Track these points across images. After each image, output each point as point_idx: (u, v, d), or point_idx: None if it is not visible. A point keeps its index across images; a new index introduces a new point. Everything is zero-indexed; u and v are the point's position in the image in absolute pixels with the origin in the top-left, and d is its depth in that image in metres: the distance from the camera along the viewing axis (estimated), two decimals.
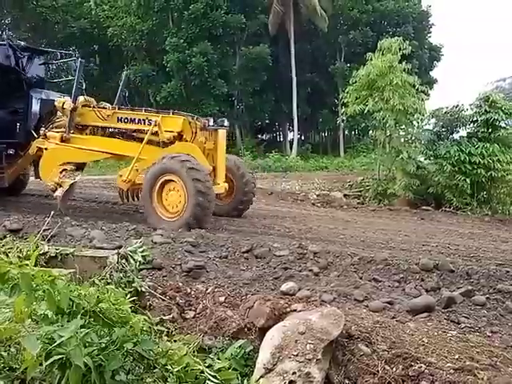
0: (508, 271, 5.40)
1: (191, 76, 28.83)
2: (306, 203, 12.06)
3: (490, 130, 12.37)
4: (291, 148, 34.05)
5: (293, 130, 35.33)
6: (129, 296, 3.99)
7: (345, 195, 13.95)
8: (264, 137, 43.96)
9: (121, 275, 4.36)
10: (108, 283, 4.14)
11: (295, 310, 4.14)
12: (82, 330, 2.21)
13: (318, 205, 11.85)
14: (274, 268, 5.34)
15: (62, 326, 2.16)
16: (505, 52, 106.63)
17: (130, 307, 3.68)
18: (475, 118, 12.65)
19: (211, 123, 8.26)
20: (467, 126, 13.10)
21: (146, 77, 31.47)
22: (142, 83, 32.73)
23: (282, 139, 41.80)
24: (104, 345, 2.31)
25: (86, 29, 33.13)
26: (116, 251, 4.61)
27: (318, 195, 13.24)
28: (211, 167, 7.73)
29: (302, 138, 41.30)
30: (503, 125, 12.56)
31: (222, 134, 8.27)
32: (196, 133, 7.76)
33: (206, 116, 28.52)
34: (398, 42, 13.31)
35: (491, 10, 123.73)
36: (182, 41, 28.79)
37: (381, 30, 32.35)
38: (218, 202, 8.03)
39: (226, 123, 8.80)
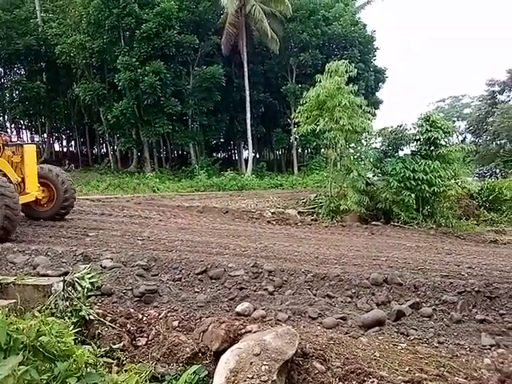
0: (451, 282, 5.69)
1: (144, 95, 28.47)
2: (262, 221, 12.11)
3: (431, 148, 13.10)
4: (246, 166, 34.31)
5: (247, 149, 35.68)
6: (75, 326, 3.80)
7: (299, 212, 14.16)
8: (219, 155, 44.03)
9: (67, 304, 4.14)
10: (52, 313, 3.92)
11: (250, 331, 4.10)
12: (20, 366, 2.06)
13: (274, 222, 11.94)
14: (229, 289, 5.30)
15: None
16: (444, 74, 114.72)
17: (77, 338, 3.50)
18: (418, 137, 13.37)
19: (14, 139, 9.25)
20: (411, 144, 13.82)
21: (96, 95, 30.68)
22: (93, 102, 31.87)
23: (237, 158, 42.06)
24: (45, 381, 2.16)
25: (31, 46, 31.93)
26: (62, 278, 4.37)
27: (273, 213, 13.35)
28: (20, 178, 8.60)
29: (257, 156, 41.79)
30: (443, 143, 13.33)
31: (30, 148, 9.21)
32: (3, 148, 8.41)
33: (157, 135, 28.36)
34: (345, 64, 13.89)
35: (433, 32, 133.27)
36: (134, 59, 28.47)
37: (329, 52, 33.80)
38: (40, 208, 9.34)
39: (37, 139, 9.89)
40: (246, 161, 35.60)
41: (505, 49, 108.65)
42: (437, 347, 4.25)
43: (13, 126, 38.83)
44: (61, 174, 9.71)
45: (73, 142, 45.99)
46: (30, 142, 27.64)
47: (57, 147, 45.40)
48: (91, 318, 4.12)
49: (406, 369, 3.71)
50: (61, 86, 36.08)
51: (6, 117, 36.41)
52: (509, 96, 39.38)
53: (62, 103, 37.17)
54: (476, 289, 5.43)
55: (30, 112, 36.09)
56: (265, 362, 3.50)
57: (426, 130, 12.99)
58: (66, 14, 32.18)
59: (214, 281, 5.44)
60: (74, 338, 3.19)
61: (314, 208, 14.64)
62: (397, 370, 3.70)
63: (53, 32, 31.49)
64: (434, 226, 12.25)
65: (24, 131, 43.13)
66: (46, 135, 41.10)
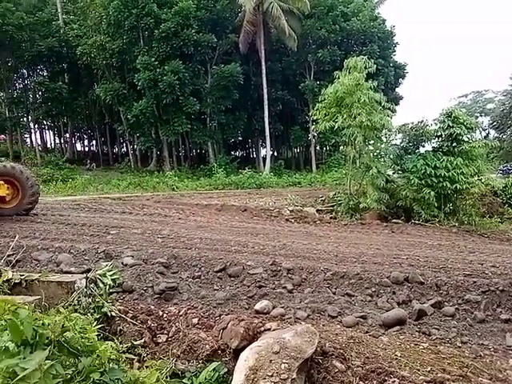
0: (475, 281, 5.56)
1: (163, 94, 28.78)
2: (280, 219, 12.08)
3: (453, 144, 12.80)
4: (264, 164, 34.31)
5: (265, 147, 35.67)
6: (98, 322, 3.87)
7: (318, 210, 14.07)
8: (237, 154, 44.17)
9: (89, 300, 4.22)
10: (75, 309, 4.00)
11: (269, 329, 4.10)
12: (46, 361, 2.11)
13: (292, 220, 11.89)
14: (248, 286, 5.31)
15: (24, 358, 2.06)
16: (466, 69, 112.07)
17: (99, 334, 3.56)
18: (439, 133, 13.08)
19: None
20: (432, 141, 13.53)
21: (116, 95, 31.16)
22: (113, 102, 32.41)
23: (255, 156, 42.12)
24: (70, 376, 2.21)
25: (54, 47, 32.65)
26: (84, 275, 4.46)
27: (291, 211, 13.30)
28: None
29: (275, 154, 41.75)
30: (466, 139, 13.02)
31: None
32: None
33: (176, 134, 28.68)
34: (364, 60, 13.69)
35: (453, 28, 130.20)
36: (153, 59, 28.80)
37: (348, 48, 33.44)
38: (5, 205, 9.34)
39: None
40: (264, 159, 35.61)
41: None
42: (460, 347, 4.16)
43: (36, 126, 39.79)
44: (24, 171, 9.78)
45: (94, 142, 46.90)
46: None
47: (78, 147, 46.43)
48: (113, 314, 4.19)
49: (428, 369, 3.65)
50: (82, 86, 36.82)
51: (29, 117, 37.31)
52: None
53: (83, 103, 37.93)
54: (500, 288, 5.30)
55: (53, 112, 36.93)
56: (284, 360, 3.50)
57: (448, 125, 12.71)
58: (87, 16, 32.78)
59: (232, 278, 5.46)
60: (96, 334, 3.26)
61: (332, 206, 14.52)
62: (418, 370, 3.64)
63: (74, 33, 32.15)
64: (457, 224, 11.98)
65: (47, 131, 44.22)
66: (68, 135, 42.02)
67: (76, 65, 33.65)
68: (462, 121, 12.76)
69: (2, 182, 9.17)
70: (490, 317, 4.85)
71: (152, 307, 4.54)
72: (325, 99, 13.86)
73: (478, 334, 4.51)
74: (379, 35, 34.32)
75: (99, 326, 3.76)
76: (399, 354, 3.84)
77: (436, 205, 12.31)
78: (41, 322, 2.38)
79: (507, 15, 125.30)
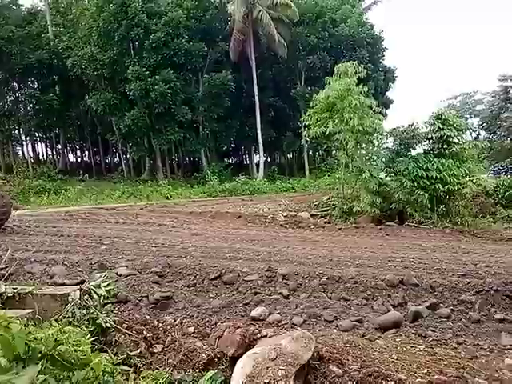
0: (469, 282, 5.59)
1: (155, 103, 28.84)
2: (275, 225, 12.08)
3: (444, 146, 12.92)
4: (258, 170, 34.39)
5: (258, 153, 35.77)
6: (92, 334, 3.84)
7: (312, 215, 14.09)
8: (230, 161, 44.23)
9: (84, 312, 4.18)
10: (70, 322, 3.96)
11: (266, 336, 4.09)
12: (39, 376, 2.09)
13: (287, 226, 11.89)
14: (244, 293, 5.29)
15: (17, 373, 2.04)
16: (455, 71, 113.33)
17: (94, 346, 3.53)
18: (430, 135, 13.19)
19: None
20: (423, 143, 13.65)
21: (108, 105, 31.15)
22: (105, 112, 32.39)
23: (248, 162, 42.22)
24: None
25: (44, 60, 32.66)
26: (78, 287, 4.42)
27: (285, 216, 13.31)
28: None
29: (268, 160, 41.86)
30: (456, 140, 13.14)
31: None
32: None
33: (169, 142, 28.80)
34: (354, 65, 13.83)
35: (441, 30, 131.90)
36: (144, 69, 28.89)
37: (337, 54, 33.74)
38: None
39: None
40: (258, 165, 35.71)
41: None
42: (456, 348, 4.17)
43: (28, 138, 39.58)
44: None
45: (86, 152, 46.77)
46: None
47: (71, 158, 46.25)
48: (108, 325, 4.15)
49: (425, 371, 3.65)
50: (73, 97, 36.76)
51: (21, 130, 37.16)
52: None
53: (75, 114, 37.87)
54: (494, 288, 5.33)
55: (44, 124, 36.82)
56: (281, 367, 3.49)
57: (438, 128, 12.83)
58: (77, 28, 32.91)
59: (228, 286, 5.45)
60: (91, 346, 3.23)
61: (326, 210, 14.55)
62: (415, 373, 3.64)
63: (64, 45, 32.20)
64: (450, 225, 12.07)
65: (39, 143, 44.03)
66: (60, 146, 41.84)
67: (67, 76, 33.62)
68: (451, 123, 12.89)
69: None
70: (484, 317, 4.87)
71: (147, 317, 4.51)
72: (316, 105, 13.95)
73: (474, 334, 4.52)
74: (368, 40, 34.70)
75: (94, 337, 3.74)
76: (396, 357, 3.84)
77: (429, 206, 12.39)
78: (33, 336, 2.36)
79: (494, 16, 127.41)
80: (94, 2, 32.61)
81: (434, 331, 4.52)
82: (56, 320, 3.94)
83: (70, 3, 35.30)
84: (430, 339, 4.35)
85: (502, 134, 39.50)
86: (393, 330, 4.51)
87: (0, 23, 30.23)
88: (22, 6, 37.16)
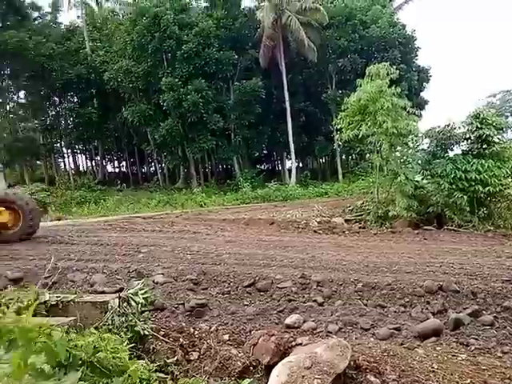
0: None
1: (187, 113, 29.42)
2: (308, 231, 11.99)
3: (483, 146, 12.42)
4: (290, 176, 34.28)
5: (290, 159, 35.68)
6: (131, 341, 3.96)
7: (346, 220, 13.87)
8: (263, 167, 44.34)
9: (122, 319, 4.32)
10: (109, 329, 4.10)
11: (301, 344, 4.07)
12: (79, 382, 2.18)
13: (320, 232, 11.78)
14: (278, 301, 5.30)
15: (59, 379, 2.14)
16: (493, 68, 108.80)
17: (132, 353, 3.64)
18: (468, 136, 12.73)
19: None
20: (461, 144, 13.17)
21: (143, 116, 32.10)
22: (140, 123, 33.41)
23: (280, 168, 42.15)
24: None
25: (82, 74, 34.11)
26: (117, 295, 4.58)
27: (319, 222, 13.18)
28: None
29: (300, 165, 41.65)
30: (496, 140, 12.61)
31: None
32: None
33: (202, 151, 29.25)
34: (386, 67, 13.59)
35: (476, 27, 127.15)
36: (176, 80, 29.57)
37: (369, 56, 33.19)
38: (8, 231, 9.54)
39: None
40: (290, 171, 35.61)
41: None
42: (500, 357, 4.00)
43: (69, 150, 41.40)
44: (24, 196, 10.23)
45: (124, 163, 48.24)
46: None
47: (109, 168, 47.90)
48: (146, 333, 4.26)
49: (468, 381, 3.52)
50: (110, 110, 38.15)
51: (62, 143, 38.90)
52: None
53: (112, 126, 39.27)
54: None
55: (84, 137, 38.35)
56: (316, 376, 3.46)
57: (477, 127, 12.36)
58: (112, 42, 34.14)
59: (262, 293, 5.46)
60: (129, 353, 3.33)
61: (361, 215, 14.29)
62: (457, 383, 3.52)
63: (100, 60, 33.53)
64: (492, 229, 11.54)
65: (79, 155, 45.93)
66: (99, 158, 43.46)
67: (104, 90, 34.94)
68: (490, 121, 12.38)
69: (4, 209, 9.51)
70: None
71: (183, 324, 4.59)
72: (348, 108, 13.79)
73: None
74: (400, 40, 33.94)
75: (132, 344, 3.85)
76: (436, 367, 3.72)
77: (469, 209, 11.91)
78: (74, 343, 2.46)
79: None
80: (128, 17, 33.85)
81: (476, 339, 4.35)
82: (96, 327, 4.08)
83: (105, 19, 36.73)
84: (473, 348, 4.19)
85: None
86: (433, 339, 4.37)
87: (41, 41, 31.85)
88: (61, 23, 39.18)
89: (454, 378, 3.58)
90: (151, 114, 32.34)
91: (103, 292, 5.09)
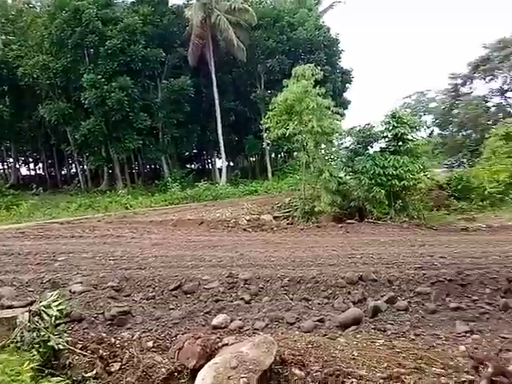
0: (425, 273, 5.77)
1: (111, 111, 28.05)
2: (238, 229, 12.03)
3: (399, 144, 13.36)
4: (220, 175, 34.22)
5: (221, 158, 35.62)
6: (44, 357, 3.65)
7: (275, 217, 14.15)
8: (193, 166, 43.77)
9: (34, 335, 3.95)
10: (18, 347, 3.74)
11: (227, 344, 4.03)
12: None
13: (249, 230, 11.87)
14: (205, 302, 5.21)
15: None
16: (410, 71, 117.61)
17: (42, 371, 3.35)
18: (385, 134, 13.61)
19: None
20: (379, 141, 14.05)
21: (62, 115, 30.05)
22: (59, 122, 31.21)
23: (210, 167, 41.92)
24: None
25: None
26: (27, 309, 4.18)
27: (248, 220, 13.28)
28: None
29: (231, 164, 41.77)
30: (410, 138, 13.61)
31: None
32: None
33: (128, 150, 28.01)
34: (311, 68, 14.06)
35: (395, 32, 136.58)
36: (99, 77, 28.03)
37: (296, 57, 34.15)
38: None
39: None
40: (220, 170, 35.52)
41: (465, 43, 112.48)
42: (413, 340, 4.28)
43: None
44: None
45: (40, 165, 44.84)
46: None
47: (24, 171, 44.24)
48: (60, 347, 3.95)
49: (385, 365, 3.71)
50: (25, 108, 35.13)
51: None
52: (471, 88, 40.57)
53: (27, 126, 36.22)
54: (448, 278, 5.53)
55: None
56: (243, 375, 3.44)
57: (393, 126, 13.25)
58: (28, 36, 31.49)
59: (188, 295, 5.34)
60: (40, 371, 3.05)
61: (289, 212, 14.67)
62: (375, 368, 3.69)
63: (14, 54, 30.80)
64: (407, 219, 12.47)
65: None
66: (11, 160, 39.94)
67: (17, 86, 32.10)
68: (405, 121, 13.34)
69: None
70: (440, 307, 5.04)
71: (103, 335, 4.33)
72: (275, 107, 14.06)
73: (430, 324, 4.67)
74: (325, 43, 35.37)
75: (45, 361, 3.55)
76: (356, 354, 3.88)
77: (387, 202, 12.75)
78: None
79: (443, 18, 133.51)
80: (46, 10, 31.40)
81: (392, 324, 4.62)
82: (3, 346, 3.72)
83: (20, 11, 33.76)
84: (389, 333, 4.44)
85: (454, 129, 41.30)
86: (353, 327, 4.57)
87: None
88: None
89: (372, 363, 3.76)
90: (71, 113, 30.37)
91: (11, 306, 4.63)
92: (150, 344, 4.19)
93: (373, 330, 4.52)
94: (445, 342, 4.22)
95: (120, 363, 3.96)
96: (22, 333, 3.96)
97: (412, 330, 4.49)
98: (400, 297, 5.25)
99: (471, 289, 5.30)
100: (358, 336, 4.38)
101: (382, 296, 5.23)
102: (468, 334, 4.31)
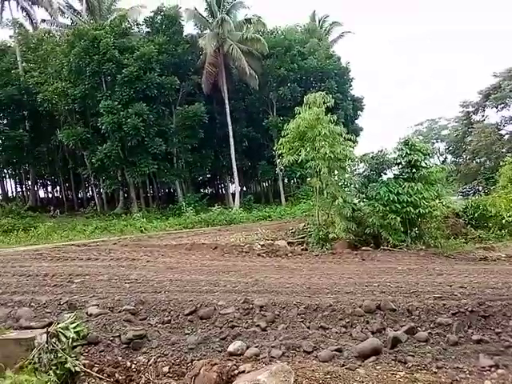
0: (445, 304, 5.63)
1: (127, 136, 28.69)
2: (252, 254, 11.97)
3: (413, 170, 13.31)
4: (234, 200, 34.35)
5: (234, 182, 35.85)
6: (61, 379, 3.64)
7: (289, 243, 14.05)
8: (206, 191, 44.09)
9: (51, 356, 3.96)
10: (36, 368, 3.75)
11: (244, 371, 3.97)
12: None
13: (264, 255, 11.81)
14: (220, 328, 5.16)
15: None
16: (421, 99, 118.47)
17: None
18: (399, 161, 13.60)
19: None
20: (393, 168, 14.02)
21: (80, 140, 30.81)
22: (76, 146, 31.98)
23: (224, 192, 42.15)
24: None
25: (13, 95, 32.22)
26: (45, 330, 4.20)
27: (262, 245, 13.22)
28: None
29: (244, 189, 41.95)
30: (424, 164, 13.57)
31: None
32: None
33: (143, 175, 28.42)
34: (322, 95, 14.26)
35: (405, 60, 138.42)
36: (116, 103, 28.86)
37: (307, 85, 34.82)
38: None
39: None
40: (233, 194, 35.70)
41: (476, 72, 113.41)
42: (436, 373, 4.15)
43: None
44: None
45: (58, 188, 45.64)
46: None
47: (42, 194, 45.01)
48: (77, 369, 3.94)
49: None
50: (44, 132, 36.18)
51: None
52: (483, 116, 40.70)
53: (45, 150, 37.17)
54: (470, 309, 5.38)
55: (14, 160, 35.89)
56: None
57: (406, 153, 13.24)
58: (47, 63, 32.71)
59: (204, 321, 5.30)
60: None
61: (303, 237, 14.56)
62: None
63: (34, 81, 31.94)
64: (424, 247, 12.25)
65: (8, 180, 42.77)
66: (30, 182, 40.75)
67: (37, 112, 33.19)
68: (418, 148, 13.32)
69: None
70: (462, 338, 4.89)
71: (119, 358, 4.31)
72: (288, 134, 14.19)
73: (453, 357, 4.52)
74: (336, 71, 36.03)
75: (61, 383, 3.53)
76: None
77: (402, 230, 12.59)
78: None
79: (455, 46, 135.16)
80: (65, 39, 32.74)
81: (413, 356, 4.49)
82: (21, 367, 3.72)
83: (40, 40, 35.23)
84: (410, 365, 4.32)
85: (468, 157, 41.11)
86: (373, 358, 4.46)
87: None
88: None
89: None
90: (88, 137, 31.16)
91: (30, 327, 4.66)
92: (166, 369, 4.16)
93: (393, 362, 4.41)
94: (469, 376, 4.09)
95: None
96: (40, 354, 3.97)
97: (434, 363, 4.36)
98: (420, 327, 5.12)
99: (494, 321, 5.15)
100: (378, 367, 4.27)
101: (402, 326, 5.11)
102: (493, 369, 4.17)
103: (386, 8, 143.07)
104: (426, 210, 12.53)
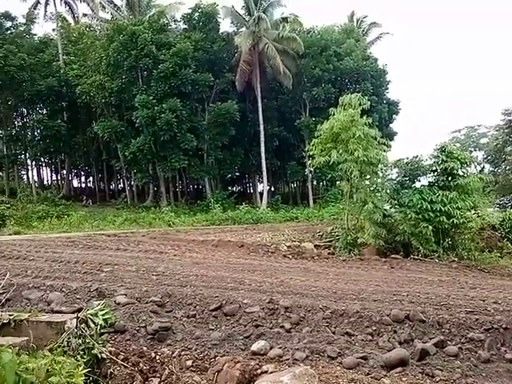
0: (477, 319, 5.41)
1: (161, 131, 29.21)
2: (278, 255, 11.93)
3: (449, 179, 12.91)
4: (261, 199, 34.36)
5: (262, 182, 35.87)
6: (88, 364, 3.70)
7: (315, 246, 13.91)
8: (234, 189, 44.32)
9: (79, 341, 4.04)
10: (65, 351, 3.83)
11: (266, 372, 3.93)
12: None
13: (290, 256, 11.74)
14: (245, 326, 5.14)
15: None
16: (459, 105, 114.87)
17: (88, 377, 3.40)
18: (434, 168, 13.22)
19: None
20: (428, 175, 13.65)
21: (114, 132, 31.60)
22: (111, 139, 32.82)
23: (252, 191, 42.24)
24: None
25: (53, 87, 33.40)
26: (75, 315, 4.30)
27: (288, 246, 13.15)
28: None
29: (272, 189, 41.91)
30: (461, 173, 13.13)
31: None
32: None
33: (174, 170, 28.85)
34: (358, 97, 14.02)
35: (445, 63, 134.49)
36: (151, 98, 29.44)
37: (342, 86, 34.38)
38: None
39: None
40: (261, 194, 35.71)
41: None
42: None
43: (33, 163, 40.01)
44: None
45: (91, 178, 47.04)
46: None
47: (75, 183, 46.49)
48: (103, 356, 4.00)
49: None
50: (81, 124, 37.36)
51: (27, 154, 37.58)
52: None
53: (81, 141, 38.38)
54: (504, 326, 5.15)
55: (51, 149, 37.24)
56: None
57: (443, 160, 12.86)
58: (87, 57, 33.74)
59: (228, 317, 5.30)
60: (85, 377, 3.10)
61: (330, 241, 14.38)
62: None
63: (74, 73, 33.01)
64: (456, 259, 11.85)
65: (44, 168, 44.43)
66: (65, 172, 42.21)
67: (75, 103, 34.32)
68: (456, 155, 12.92)
69: None
70: (494, 356, 4.68)
71: (144, 348, 4.36)
72: (321, 135, 14.05)
73: (483, 374, 4.33)
74: (372, 73, 35.39)
75: (88, 368, 3.60)
76: None
77: (434, 239, 12.23)
78: (25, 366, 2.26)
79: (498, 53, 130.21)
80: (104, 33, 33.69)
81: (441, 370, 4.33)
82: (51, 349, 3.82)
83: (81, 33, 36.40)
84: (438, 379, 4.17)
85: (507, 167, 39.50)
86: (399, 369, 4.33)
87: (13, 51, 31.09)
88: (35, 35, 38.47)
89: None
90: (123, 131, 31.90)
91: (60, 312, 4.78)
92: (189, 363, 4.18)
93: (420, 374, 4.26)
94: None
95: (159, 379, 3.96)
96: (69, 338, 4.05)
97: (463, 379, 4.18)
98: (450, 341, 4.94)
99: None
100: (404, 379, 4.14)
101: (431, 338, 4.94)
102: None
103: (426, 11, 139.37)
104: (461, 221, 12.11)
